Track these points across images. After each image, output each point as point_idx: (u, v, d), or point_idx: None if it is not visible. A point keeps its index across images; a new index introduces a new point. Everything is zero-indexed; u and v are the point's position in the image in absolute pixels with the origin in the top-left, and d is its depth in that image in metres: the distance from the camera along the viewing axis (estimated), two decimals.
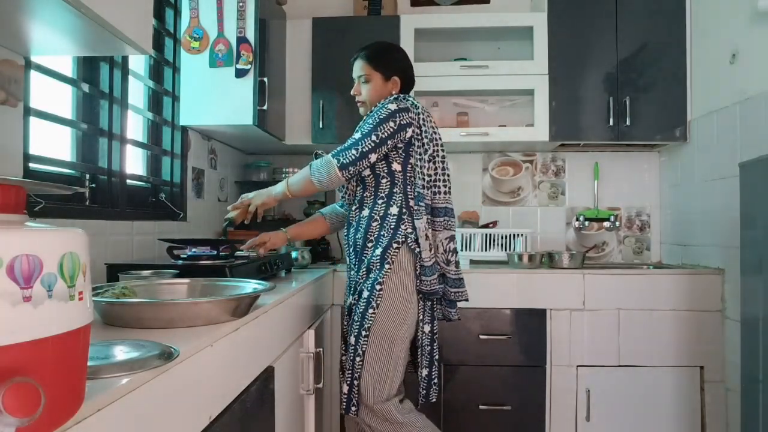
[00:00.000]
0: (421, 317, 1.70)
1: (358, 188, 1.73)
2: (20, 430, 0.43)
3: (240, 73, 2.18)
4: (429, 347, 1.72)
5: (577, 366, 2.29)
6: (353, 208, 1.74)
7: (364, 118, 1.72)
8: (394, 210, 1.66)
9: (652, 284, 2.29)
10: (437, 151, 1.72)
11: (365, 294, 1.64)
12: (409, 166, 1.67)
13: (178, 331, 0.96)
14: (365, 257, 1.68)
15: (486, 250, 2.57)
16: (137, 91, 2.06)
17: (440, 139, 1.74)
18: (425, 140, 1.67)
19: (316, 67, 2.68)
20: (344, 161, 1.62)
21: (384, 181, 1.68)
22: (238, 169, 2.92)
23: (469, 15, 2.70)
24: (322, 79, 2.66)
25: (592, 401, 2.28)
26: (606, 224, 2.85)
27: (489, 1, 2.95)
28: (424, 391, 1.72)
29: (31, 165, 1.41)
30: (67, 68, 1.65)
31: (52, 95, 1.57)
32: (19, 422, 0.42)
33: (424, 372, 1.71)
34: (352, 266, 1.75)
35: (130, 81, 1.92)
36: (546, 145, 2.76)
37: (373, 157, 1.63)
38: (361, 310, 1.65)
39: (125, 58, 1.87)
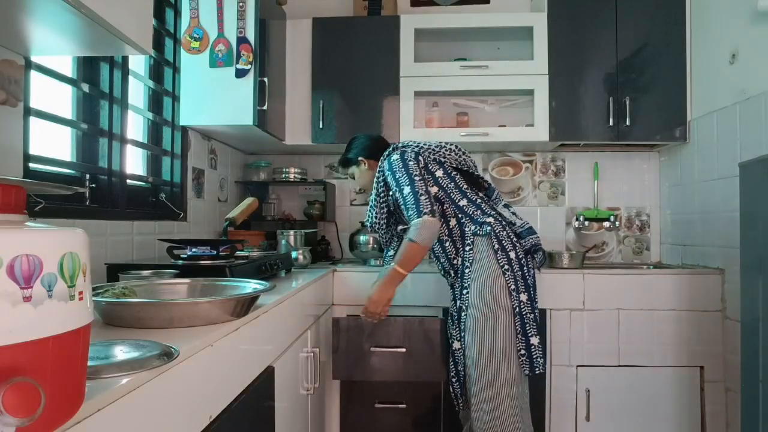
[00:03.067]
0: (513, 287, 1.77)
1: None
2: (20, 430, 0.43)
3: (240, 73, 2.18)
4: (531, 314, 1.78)
5: (577, 366, 2.29)
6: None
7: (388, 183, 1.88)
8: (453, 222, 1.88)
9: (651, 284, 2.28)
10: (447, 156, 1.91)
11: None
12: (441, 180, 1.86)
13: (178, 331, 0.95)
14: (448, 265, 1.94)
15: None
16: (137, 91, 2.06)
17: (445, 146, 1.92)
18: (437, 155, 1.89)
19: (316, 67, 2.68)
20: (424, 210, 1.72)
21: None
22: (238, 169, 2.92)
23: (469, 15, 2.70)
24: (322, 79, 2.66)
25: (592, 401, 2.28)
26: (606, 224, 2.85)
27: (489, 1, 2.95)
28: (541, 360, 1.77)
29: (31, 165, 1.41)
30: (67, 68, 1.64)
31: (52, 95, 1.57)
32: (19, 422, 0.42)
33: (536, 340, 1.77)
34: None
35: (131, 81, 1.92)
36: (546, 145, 2.75)
37: (432, 190, 1.81)
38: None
39: (125, 58, 1.87)
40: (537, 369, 1.75)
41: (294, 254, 2.24)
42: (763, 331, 1.59)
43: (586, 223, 2.84)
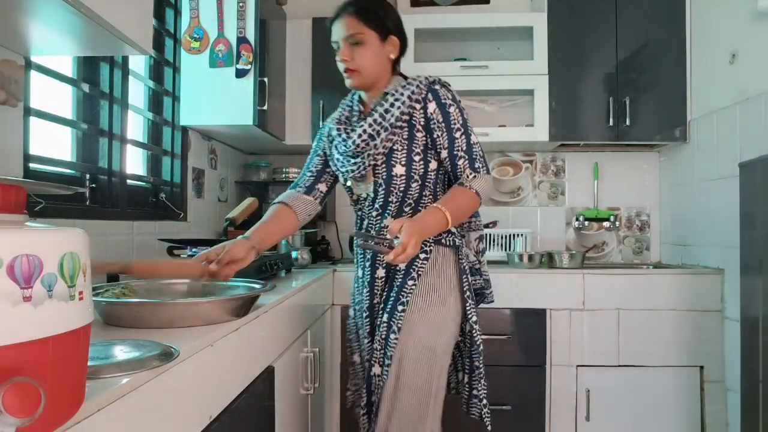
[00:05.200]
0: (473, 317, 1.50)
1: (414, 185, 1.42)
2: (20, 430, 0.43)
3: (240, 73, 2.18)
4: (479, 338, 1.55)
5: (577, 366, 2.29)
6: (407, 209, 1.44)
7: (446, 119, 1.40)
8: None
9: (651, 284, 2.28)
10: None
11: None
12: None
13: (178, 331, 0.95)
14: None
15: (486, 250, 2.56)
16: (137, 91, 2.06)
17: None
18: None
19: (317, 67, 2.68)
20: (486, 167, 1.43)
21: (415, 184, 1.44)
22: (239, 169, 2.92)
23: (469, 15, 2.69)
24: (323, 79, 2.66)
25: (591, 401, 2.28)
26: (606, 224, 2.84)
27: (489, 1, 2.94)
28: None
29: (31, 165, 1.41)
30: (67, 68, 1.64)
31: (52, 95, 1.57)
32: (19, 422, 0.42)
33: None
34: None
35: (131, 81, 1.92)
36: (546, 145, 2.75)
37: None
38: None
39: (125, 58, 1.87)
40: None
41: (294, 254, 2.24)
42: (763, 330, 1.59)
43: (586, 223, 2.84)
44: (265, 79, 2.27)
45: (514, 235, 2.59)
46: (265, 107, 2.26)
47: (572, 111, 2.59)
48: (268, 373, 1.30)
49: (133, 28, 1.14)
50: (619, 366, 2.27)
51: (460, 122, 1.40)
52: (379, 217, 1.45)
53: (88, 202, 1.70)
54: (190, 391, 0.85)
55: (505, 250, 2.57)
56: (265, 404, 1.29)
